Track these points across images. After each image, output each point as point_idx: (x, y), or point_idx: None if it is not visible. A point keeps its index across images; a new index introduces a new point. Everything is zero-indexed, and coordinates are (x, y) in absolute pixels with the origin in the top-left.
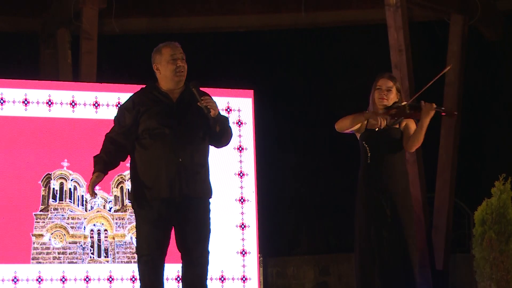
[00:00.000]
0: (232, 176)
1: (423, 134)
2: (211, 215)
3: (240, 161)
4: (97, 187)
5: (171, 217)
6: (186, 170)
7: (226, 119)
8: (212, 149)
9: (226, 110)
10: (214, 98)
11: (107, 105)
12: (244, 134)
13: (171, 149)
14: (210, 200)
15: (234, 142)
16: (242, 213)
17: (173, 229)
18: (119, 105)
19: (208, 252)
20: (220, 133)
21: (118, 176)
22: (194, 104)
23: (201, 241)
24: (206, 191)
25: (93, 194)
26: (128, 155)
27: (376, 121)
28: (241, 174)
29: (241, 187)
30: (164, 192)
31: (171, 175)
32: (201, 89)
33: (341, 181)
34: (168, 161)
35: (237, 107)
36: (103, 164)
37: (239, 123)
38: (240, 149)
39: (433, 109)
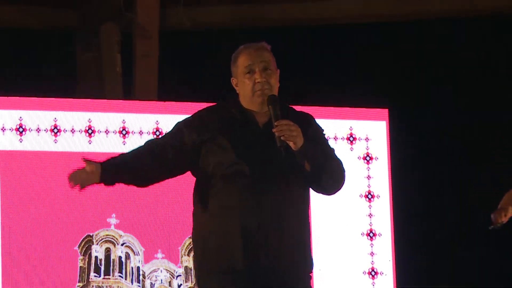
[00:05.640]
0: (358, 237)
1: None
2: None
3: (370, 215)
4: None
5: None
6: (274, 229)
7: (324, 150)
8: (325, 198)
9: (348, 139)
10: (329, 121)
11: None
12: (375, 175)
13: (250, 198)
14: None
15: (360, 187)
16: None
17: None
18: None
19: None
20: (314, 173)
21: (191, 238)
22: None
23: None
24: (305, 262)
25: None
26: (163, 178)
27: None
28: (371, 235)
29: (372, 254)
30: (238, 263)
31: (250, 238)
32: (305, 108)
33: None
34: (245, 215)
35: (364, 135)
36: (115, 166)
37: (368, 158)
38: (370, 196)
39: None
